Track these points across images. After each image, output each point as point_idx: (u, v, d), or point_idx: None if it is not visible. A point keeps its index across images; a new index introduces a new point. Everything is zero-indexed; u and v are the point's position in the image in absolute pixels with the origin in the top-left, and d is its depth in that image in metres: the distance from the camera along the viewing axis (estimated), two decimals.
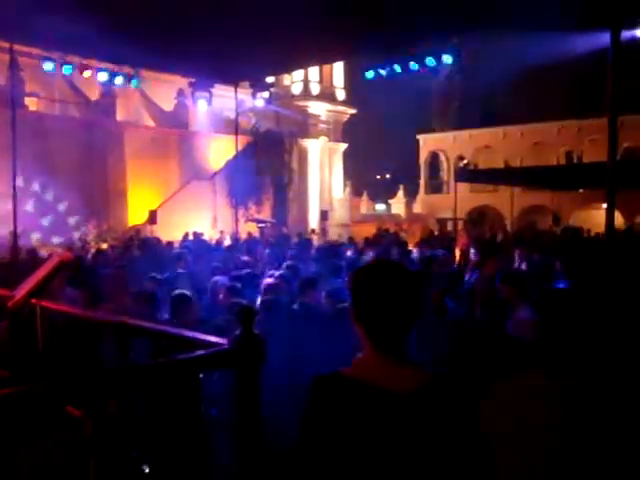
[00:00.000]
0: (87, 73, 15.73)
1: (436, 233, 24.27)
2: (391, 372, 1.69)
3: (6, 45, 12.78)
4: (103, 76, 15.85)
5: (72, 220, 19.49)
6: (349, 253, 11.54)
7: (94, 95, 22.71)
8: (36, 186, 18.74)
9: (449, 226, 27.42)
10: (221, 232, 20.91)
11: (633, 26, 9.78)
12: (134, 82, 16.54)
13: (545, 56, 16.82)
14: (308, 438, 1.68)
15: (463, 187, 29.28)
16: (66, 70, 15.19)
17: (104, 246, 15.64)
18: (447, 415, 1.67)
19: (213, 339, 2.67)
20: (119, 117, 24.25)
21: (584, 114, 25.71)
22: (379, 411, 1.64)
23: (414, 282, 1.75)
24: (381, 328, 1.71)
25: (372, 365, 1.72)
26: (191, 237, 17.00)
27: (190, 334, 2.67)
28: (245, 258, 9.51)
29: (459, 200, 26.55)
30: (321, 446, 1.65)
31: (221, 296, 5.98)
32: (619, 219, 23.88)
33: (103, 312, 4.27)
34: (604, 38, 4.95)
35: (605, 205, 5.46)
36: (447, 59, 15.73)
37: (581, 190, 25.85)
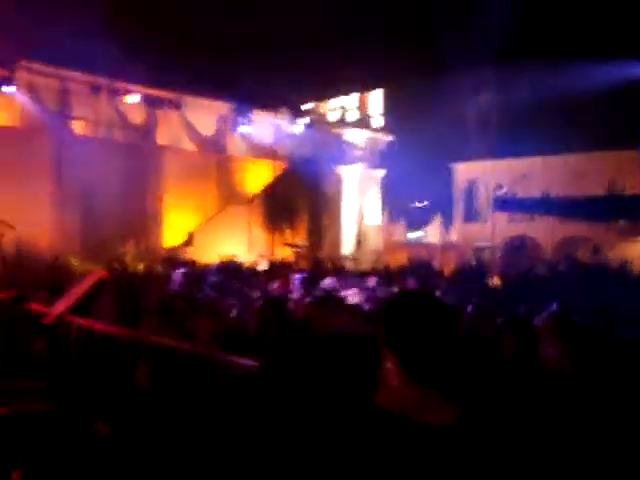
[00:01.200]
0: (131, 98, 16.20)
1: (473, 263, 23.98)
2: (426, 404, 1.67)
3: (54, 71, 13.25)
4: (147, 101, 16.32)
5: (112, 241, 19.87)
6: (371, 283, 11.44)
7: (138, 119, 23.28)
8: (79, 207, 19.20)
9: (486, 255, 27.07)
10: (260, 255, 21.01)
11: None
12: (176, 107, 16.98)
13: (587, 84, 16.68)
14: (341, 471, 1.64)
15: (500, 216, 28.95)
16: (112, 95, 15.68)
17: (140, 267, 15.88)
18: (483, 451, 1.63)
19: (246, 362, 2.69)
20: (160, 141, 24.78)
21: (625, 145, 25.29)
22: (415, 444, 1.60)
23: (452, 314, 1.77)
24: (418, 359, 1.69)
25: (404, 394, 1.70)
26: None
27: (223, 356, 2.69)
28: None
29: (496, 229, 26.28)
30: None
31: None
32: None
33: (142, 332, 4.33)
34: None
35: None
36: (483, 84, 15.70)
37: (621, 222, 25.29)
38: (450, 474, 1.59)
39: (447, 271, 18.45)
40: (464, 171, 34.83)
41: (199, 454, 2.54)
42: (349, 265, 23.27)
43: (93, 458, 2.47)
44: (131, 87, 15.82)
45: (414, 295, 1.83)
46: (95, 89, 14.95)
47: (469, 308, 4.95)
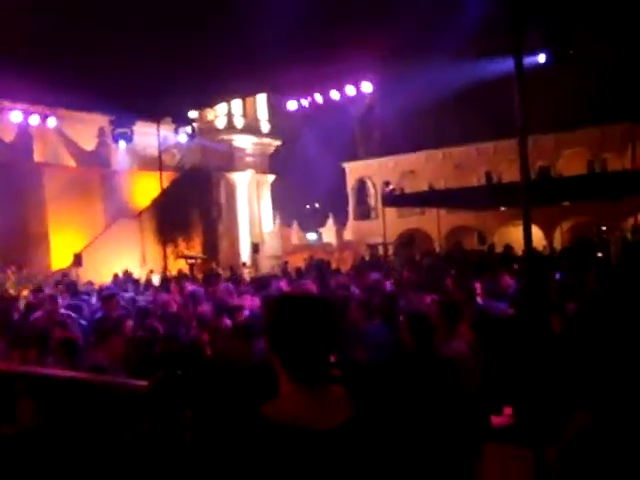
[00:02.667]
0: (0, 113, 15.21)
1: (367, 259, 24.55)
2: (311, 407, 1.63)
3: None
4: (17, 116, 15.35)
5: None
6: (282, 285, 11.44)
7: (9, 136, 21.90)
8: None
9: (380, 251, 27.81)
10: (150, 271, 20.40)
11: (534, 53, 10.34)
12: (51, 121, 16.09)
13: (461, 81, 17.54)
14: None
15: (391, 212, 29.88)
16: None
17: (24, 293, 14.94)
18: (371, 449, 1.62)
19: (134, 382, 2.56)
20: (37, 158, 23.46)
21: (500, 136, 26.84)
22: (301, 450, 1.56)
23: (330, 311, 1.73)
24: (300, 361, 1.66)
25: (291, 401, 1.66)
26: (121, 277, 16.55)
27: (106, 378, 2.55)
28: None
29: (388, 225, 27.08)
30: None
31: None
32: (538, 234, 24.91)
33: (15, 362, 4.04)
34: (510, 63, 5.16)
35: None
36: (366, 87, 16.14)
37: (502, 208, 26.84)
38: (334, 476, 1.56)
39: (344, 269, 18.74)
40: (354, 170, 35.61)
41: None
42: (247, 272, 23.11)
43: None
44: None
45: (291, 298, 1.80)
46: None
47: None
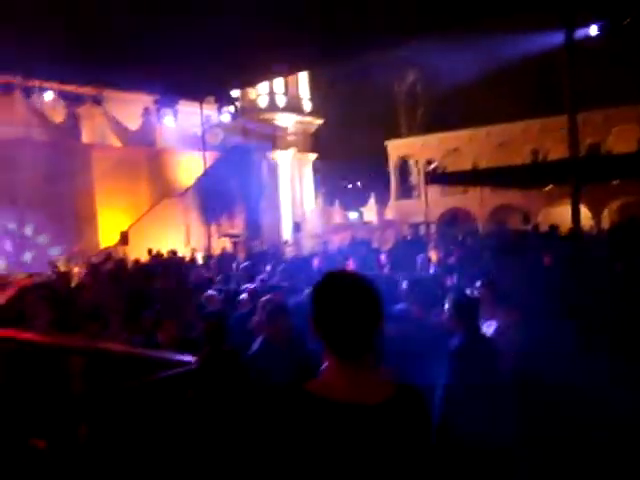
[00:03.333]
0: (49, 95, 15.55)
1: (409, 237, 24.37)
2: (355, 384, 1.66)
3: None
4: (66, 97, 15.70)
5: (41, 246, 19.18)
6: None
7: (58, 118, 22.41)
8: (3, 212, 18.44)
9: (422, 230, 27.57)
10: (193, 249, 20.72)
11: (586, 24, 9.97)
12: (98, 102, 16.41)
13: (506, 56, 17.10)
14: (269, 460, 1.61)
15: (433, 191, 29.52)
16: (27, 93, 14.99)
17: (75, 270, 15.40)
18: (414, 426, 1.65)
19: (182, 358, 2.63)
20: (85, 139, 23.96)
21: (547, 112, 26.16)
22: (345, 425, 1.59)
23: (373, 291, 1.74)
24: (342, 338, 1.69)
25: (336, 377, 1.68)
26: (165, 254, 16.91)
27: (156, 354, 2.63)
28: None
29: (430, 204, 26.78)
30: (285, 468, 1.59)
31: None
32: (586, 214, 24.30)
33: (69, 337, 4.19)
34: (560, 37, 5.02)
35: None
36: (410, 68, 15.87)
37: (548, 188, 26.24)
38: (375, 453, 1.58)
39: (385, 248, 18.66)
40: (396, 148, 35.26)
41: (143, 457, 2.48)
42: (289, 251, 23.26)
43: (31, 475, 2.37)
44: (46, 84, 15.16)
45: (336, 275, 1.80)
46: (7, 89, 14.24)
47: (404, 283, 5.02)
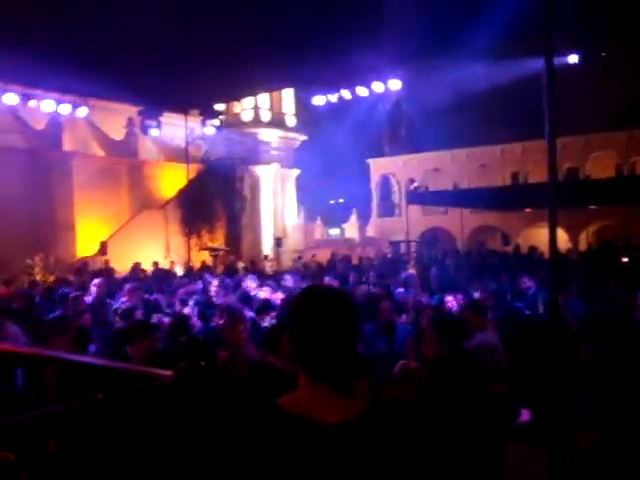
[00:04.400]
0: (32, 102, 15.43)
1: (389, 255, 24.49)
2: (322, 402, 1.63)
3: None
4: (48, 105, 15.56)
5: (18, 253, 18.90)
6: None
7: (40, 125, 22.24)
8: None
9: (402, 248, 27.71)
10: (172, 262, 20.60)
11: (566, 53, 10.22)
12: (81, 111, 16.30)
13: (489, 81, 17.38)
14: (234, 470, 1.60)
15: (415, 210, 29.75)
16: (9, 99, 14.84)
17: (51, 279, 15.21)
18: (381, 445, 1.60)
19: (159, 372, 2.61)
20: (67, 147, 23.80)
21: (528, 137, 26.55)
22: (306, 443, 1.57)
23: (347, 308, 1.70)
24: (312, 355, 1.66)
25: (303, 394, 1.66)
26: (148, 268, 16.77)
27: (133, 367, 2.61)
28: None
29: (411, 222, 26.98)
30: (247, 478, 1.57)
31: None
32: (563, 237, 24.63)
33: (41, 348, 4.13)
34: (540, 64, 5.12)
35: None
36: (394, 84, 16.08)
37: (527, 210, 26.57)
38: (337, 473, 1.56)
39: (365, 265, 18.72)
40: (379, 167, 35.51)
41: (116, 471, 2.46)
42: (269, 266, 23.22)
43: None
44: (29, 91, 15.04)
45: (311, 293, 1.77)
46: None
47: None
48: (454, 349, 4.20)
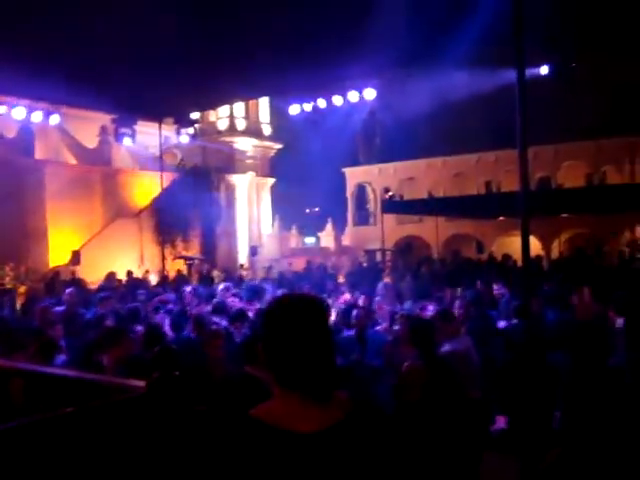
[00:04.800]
0: (2, 109, 15.19)
1: (364, 264, 24.55)
2: (294, 411, 1.61)
3: None
4: (19, 112, 15.33)
5: None
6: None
7: (11, 132, 21.91)
8: None
9: (378, 257, 27.81)
10: (146, 271, 20.38)
11: (536, 65, 10.41)
12: (53, 119, 16.08)
13: (463, 90, 17.60)
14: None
15: (390, 218, 29.90)
16: None
17: (22, 289, 14.95)
18: (354, 455, 1.58)
19: (132, 383, 2.58)
20: (38, 155, 23.47)
21: (501, 146, 26.91)
22: (280, 453, 1.55)
23: (320, 316, 1.69)
24: (283, 364, 1.65)
25: (276, 404, 1.65)
26: (123, 277, 16.55)
27: (104, 378, 2.57)
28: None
29: (386, 231, 27.09)
30: None
31: None
32: (536, 245, 24.95)
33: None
34: (512, 74, 5.20)
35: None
36: (369, 94, 16.19)
37: (501, 218, 26.87)
38: None
39: (341, 274, 18.77)
40: (354, 175, 35.65)
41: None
42: (245, 274, 23.10)
43: None
44: (0, 98, 14.83)
45: (284, 299, 1.75)
46: None
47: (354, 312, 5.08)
48: (427, 355, 4.22)
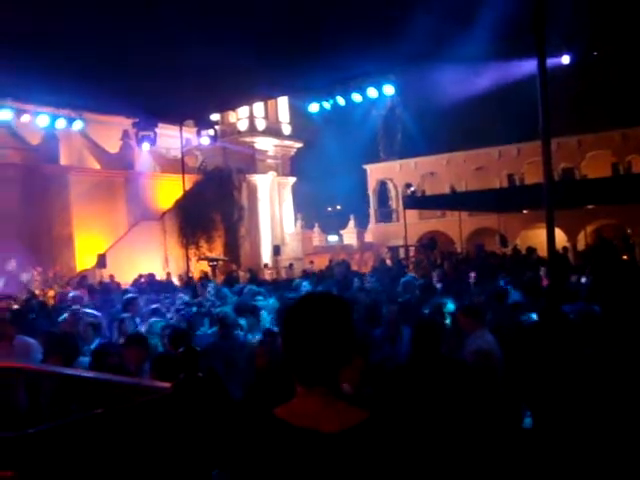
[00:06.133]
0: (26, 117, 15.39)
1: (388, 261, 24.47)
2: (315, 410, 1.61)
3: None
4: (43, 120, 15.51)
5: (16, 269, 18.85)
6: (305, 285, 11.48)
7: (35, 140, 22.25)
8: None
9: (401, 253, 27.70)
10: (167, 273, 20.54)
11: (558, 54, 10.24)
12: (76, 125, 16.24)
13: (484, 83, 17.43)
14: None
15: (412, 214, 29.75)
16: (3, 115, 14.79)
17: (51, 293, 15.18)
18: (375, 454, 1.58)
19: (157, 384, 2.60)
20: (63, 161, 23.81)
21: (523, 138, 26.61)
22: (303, 451, 1.56)
23: (339, 315, 1.68)
24: (301, 362, 1.65)
25: (298, 402, 1.65)
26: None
27: (132, 380, 2.59)
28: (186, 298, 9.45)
29: (409, 227, 26.97)
30: None
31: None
32: (561, 237, 24.63)
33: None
34: (533, 66, 5.14)
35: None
36: (388, 90, 16.10)
37: (525, 211, 26.59)
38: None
39: (365, 271, 18.72)
40: (375, 172, 35.55)
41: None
42: (269, 274, 23.19)
43: None
44: (24, 106, 15.03)
45: (304, 298, 1.75)
46: None
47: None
48: (429, 354, 4.14)
